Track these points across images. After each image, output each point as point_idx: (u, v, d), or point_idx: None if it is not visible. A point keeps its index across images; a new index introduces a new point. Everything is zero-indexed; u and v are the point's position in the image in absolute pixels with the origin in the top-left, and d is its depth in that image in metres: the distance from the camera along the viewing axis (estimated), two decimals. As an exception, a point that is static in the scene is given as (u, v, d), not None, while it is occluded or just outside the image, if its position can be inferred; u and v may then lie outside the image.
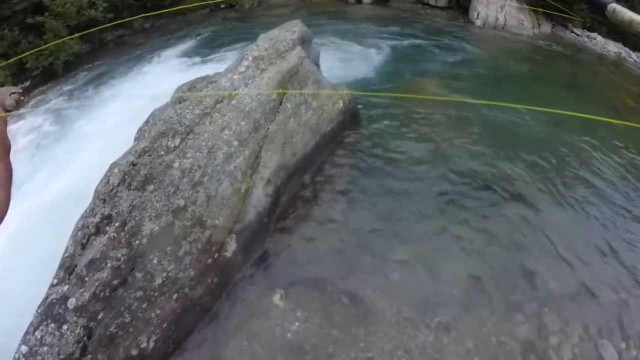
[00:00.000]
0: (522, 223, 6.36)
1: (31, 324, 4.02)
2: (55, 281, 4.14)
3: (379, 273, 5.29)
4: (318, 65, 7.58)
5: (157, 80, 10.08)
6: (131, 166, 4.46)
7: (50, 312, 4.00)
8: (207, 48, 12.45)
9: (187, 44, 12.89)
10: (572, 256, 5.97)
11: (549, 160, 8.00)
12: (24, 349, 3.93)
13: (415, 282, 5.23)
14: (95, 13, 11.89)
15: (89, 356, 3.98)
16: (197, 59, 11.61)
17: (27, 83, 11.15)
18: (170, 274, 4.39)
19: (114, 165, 4.53)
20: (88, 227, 4.21)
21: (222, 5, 16.17)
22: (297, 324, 4.70)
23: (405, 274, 5.31)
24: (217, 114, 5.29)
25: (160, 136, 4.79)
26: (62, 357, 3.87)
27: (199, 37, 13.44)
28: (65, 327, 3.95)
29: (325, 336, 4.61)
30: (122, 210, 4.29)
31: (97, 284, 4.05)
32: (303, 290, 5.02)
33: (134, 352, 4.17)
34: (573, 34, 18.22)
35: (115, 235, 4.19)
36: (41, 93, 10.85)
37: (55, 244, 4.52)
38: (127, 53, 12.71)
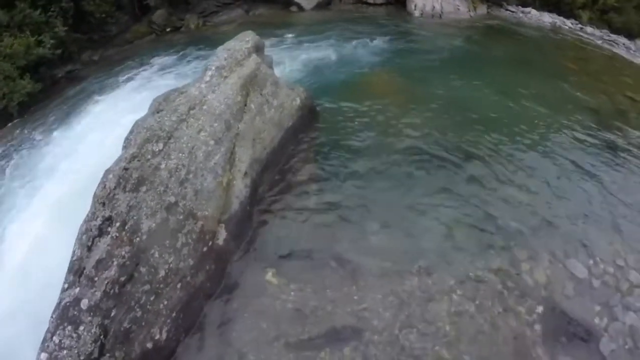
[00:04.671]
0: (481, 180, 7.22)
1: (48, 330, 4.31)
2: (66, 285, 4.52)
3: (360, 239, 5.98)
4: (273, 70, 8.23)
5: (111, 114, 10.26)
6: (124, 170, 4.96)
7: (66, 315, 4.33)
8: (159, 70, 12.75)
9: (138, 71, 13.07)
10: (530, 200, 6.90)
11: (499, 125, 8.94)
12: (43, 356, 4.19)
13: (394, 242, 5.96)
14: (44, 51, 12.06)
15: (107, 355, 4.33)
16: (153, 82, 11.87)
17: (-18, 129, 11.22)
18: (171, 265, 4.88)
19: (108, 171, 5.02)
20: (91, 230, 4.67)
21: (168, 29, 16.53)
22: (293, 294, 5.31)
23: (383, 237, 6.02)
24: (192, 119, 5.86)
25: (146, 142, 5.31)
26: (82, 358, 4.17)
27: (149, 62, 13.60)
28: (81, 327, 4.28)
29: (321, 299, 5.24)
30: (121, 211, 4.76)
31: (106, 282, 4.44)
32: (293, 263, 5.65)
33: (149, 345, 4.61)
34: (508, 12, 19.56)
35: (117, 234, 4.64)
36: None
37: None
38: (79, 87, 12.79)
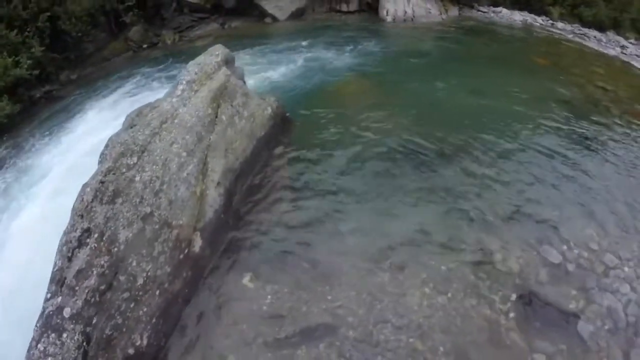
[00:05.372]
0: (454, 175, 7.64)
1: (33, 338, 4.62)
2: (49, 295, 4.82)
3: (333, 241, 6.32)
4: (244, 82, 8.64)
5: (92, 129, 10.50)
6: (100, 184, 5.30)
7: (49, 323, 4.63)
8: (137, 86, 13.03)
9: (117, 87, 13.30)
10: (503, 191, 7.33)
11: (473, 121, 9.40)
12: (29, 363, 4.48)
13: (367, 241, 6.29)
14: (21, 71, 12.28)
15: (91, 361, 4.61)
16: (129, 98, 12.12)
17: (-38, 152, 11.39)
18: (149, 273, 5.16)
19: (85, 185, 5.36)
20: (71, 241, 4.98)
21: (145, 45, 16.90)
22: (269, 296, 5.60)
23: (357, 237, 6.36)
24: (165, 132, 6.20)
25: (120, 156, 5.66)
26: (66, 365, 4.44)
27: (127, 79, 13.86)
28: (65, 335, 4.58)
29: (297, 299, 5.54)
30: (99, 223, 5.08)
31: (87, 291, 4.74)
32: (268, 267, 5.96)
33: (131, 350, 4.86)
34: (480, 12, 20.39)
35: (96, 245, 4.96)
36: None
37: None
38: (58, 107, 13.03)
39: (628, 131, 9.68)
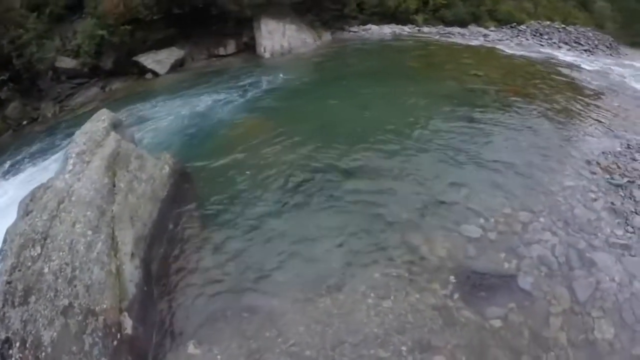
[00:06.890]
0: (364, 187, 8.23)
1: None
2: None
3: (264, 283, 6.43)
4: (135, 144, 8.58)
5: None
6: (7, 285, 4.98)
7: None
8: (23, 168, 12.11)
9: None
10: (412, 189, 8.07)
11: (364, 133, 10.19)
12: None
13: (298, 275, 6.51)
14: None
15: None
16: (17, 180, 11.29)
17: None
18: (87, 371, 4.90)
19: (-10, 290, 5.01)
20: (-8, 359, 4.64)
21: (24, 122, 15.98)
22: (219, 357, 5.52)
23: (286, 273, 6.54)
24: (64, 213, 5.96)
25: (22, 249, 5.38)
26: None
27: (11, 160, 12.78)
28: None
29: (248, 352, 5.53)
30: (17, 329, 4.76)
31: None
32: (209, 328, 5.88)
33: None
34: (352, 33, 22.22)
35: (20, 355, 4.63)
36: None
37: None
38: None
39: (506, 105, 11.18)
